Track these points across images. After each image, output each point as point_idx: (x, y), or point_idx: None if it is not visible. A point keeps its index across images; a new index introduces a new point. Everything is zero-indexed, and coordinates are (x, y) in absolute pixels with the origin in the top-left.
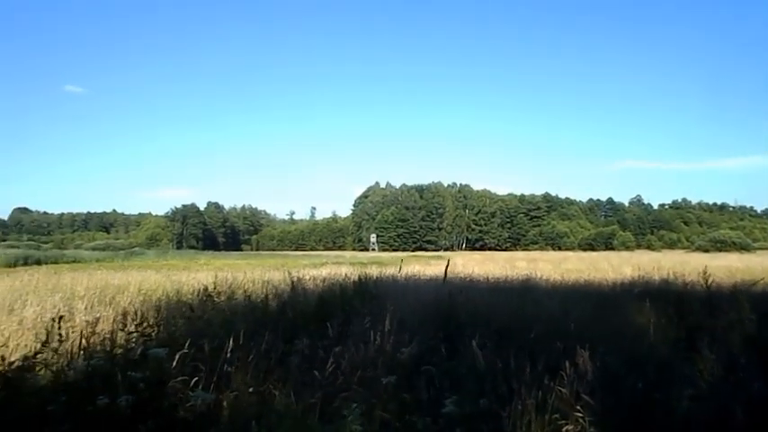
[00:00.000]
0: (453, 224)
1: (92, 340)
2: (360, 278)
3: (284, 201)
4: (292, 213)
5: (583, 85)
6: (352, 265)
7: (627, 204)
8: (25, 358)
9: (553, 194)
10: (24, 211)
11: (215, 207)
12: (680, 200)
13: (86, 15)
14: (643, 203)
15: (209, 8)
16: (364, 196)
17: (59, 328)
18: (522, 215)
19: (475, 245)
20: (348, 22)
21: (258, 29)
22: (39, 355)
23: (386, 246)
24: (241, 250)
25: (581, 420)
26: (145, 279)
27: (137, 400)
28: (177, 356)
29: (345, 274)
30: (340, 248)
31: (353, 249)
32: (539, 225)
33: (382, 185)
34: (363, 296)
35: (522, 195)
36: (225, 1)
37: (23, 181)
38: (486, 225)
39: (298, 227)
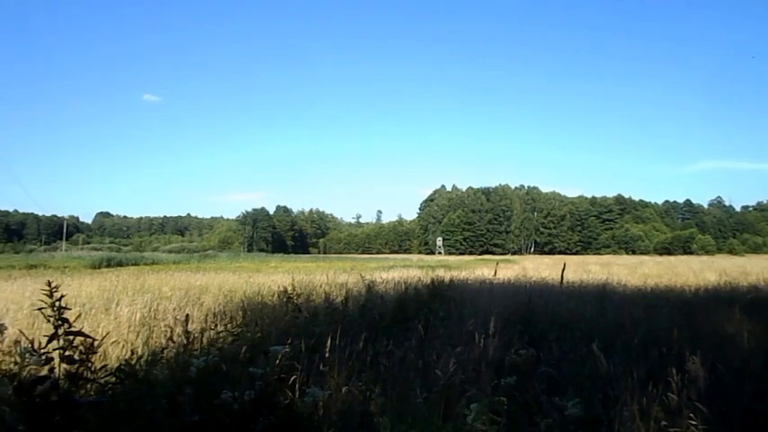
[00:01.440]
0: (521, 227)
1: (182, 338)
2: (433, 281)
3: (351, 204)
4: (359, 216)
5: (657, 83)
6: (420, 268)
7: (706, 206)
8: (153, 354)
9: (626, 196)
10: (106, 215)
11: (284, 211)
12: (765, 201)
13: (161, 27)
14: (724, 205)
15: (267, 21)
16: (430, 199)
17: (186, 326)
18: (593, 218)
19: (544, 248)
20: (406, 25)
21: (319, 35)
22: (164, 351)
23: (452, 249)
24: (309, 253)
25: (693, 428)
26: (224, 280)
27: (257, 395)
28: (280, 355)
29: (419, 278)
30: (406, 252)
31: (419, 252)
32: (611, 228)
33: (448, 188)
34: (441, 299)
35: (594, 197)
36: (283, 12)
37: (106, 187)
38: (555, 228)
39: (364, 230)
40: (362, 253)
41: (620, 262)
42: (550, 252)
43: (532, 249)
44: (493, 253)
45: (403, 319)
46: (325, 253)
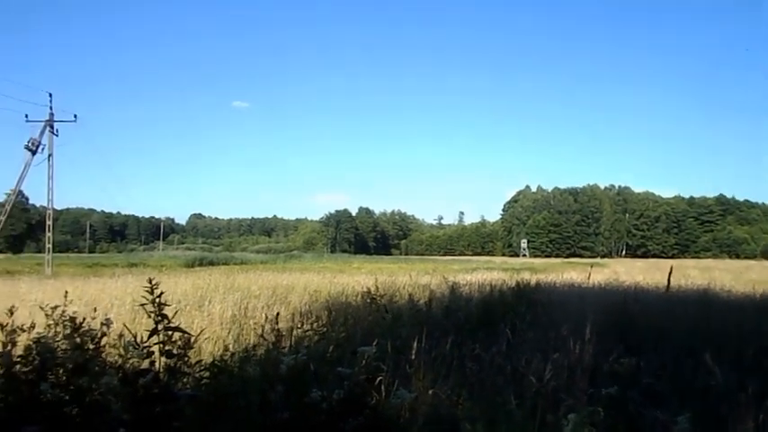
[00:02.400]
0: (611, 229)
1: (272, 336)
2: (518, 284)
3: (432, 205)
4: (440, 218)
5: (761, 70)
6: (504, 270)
7: None
8: (246, 350)
9: (729, 196)
10: (199, 216)
11: (366, 212)
12: None
13: (248, 35)
14: None
15: (352, 24)
16: (514, 200)
17: (276, 324)
18: (691, 219)
19: (636, 251)
20: (487, 19)
21: (401, 42)
22: (255, 348)
23: (537, 251)
24: (390, 254)
25: None
26: (309, 280)
27: (345, 395)
28: (367, 356)
29: (503, 280)
30: (489, 254)
31: (503, 255)
32: (711, 230)
33: (533, 189)
34: (527, 303)
35: (692, 198)
36: (365, 18)
37: (199, 190)
38: (648, 230)
39: (446, 231)
40: (444, 255)
41: (721, 266)
42: (643, 255)
43: (624, 252)
44: (581, 256)
45: (488, 322)
46: (406, 254)
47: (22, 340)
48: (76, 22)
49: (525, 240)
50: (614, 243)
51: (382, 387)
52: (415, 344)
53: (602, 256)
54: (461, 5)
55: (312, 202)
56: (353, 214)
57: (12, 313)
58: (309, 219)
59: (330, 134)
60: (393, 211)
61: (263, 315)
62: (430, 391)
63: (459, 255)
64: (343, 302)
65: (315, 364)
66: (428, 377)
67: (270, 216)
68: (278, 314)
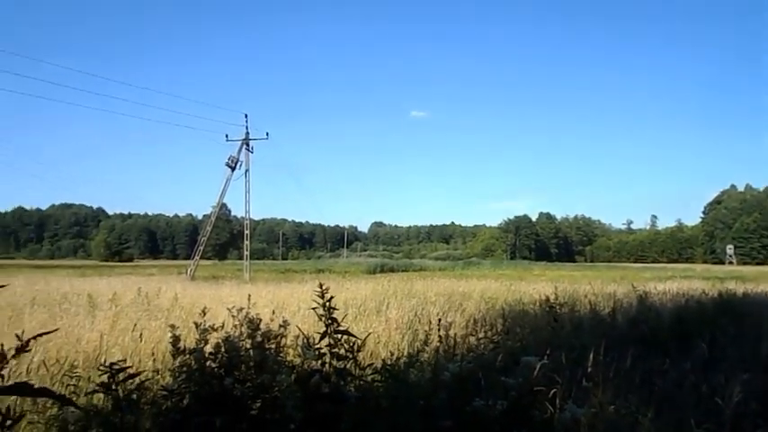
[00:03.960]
0: None
1: (442, 342)
2: (721, 294)
3: (621, 209)
4: (630, 222)
5: None
6: (705, 279)
7: None
8: (409, 356)
9: None
10: (380, 224)
11: (547, 217)
12: None
13: (424, 47)
14: None
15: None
16: (717, 202)
17: (447, 330)
18: None
19: None
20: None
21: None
22: (419, 354)
23: (746, 258)
24: (574, 261)
25: None
26: (486, 287)
27: (509, 406)
28: (538, 366)
29: (702, 290)
30: (687, 260)
31: (704, 262)
32: None
33: (740, 188)
34: (731, 315)
35: None
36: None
37: (380, 199)
38: None
39: (636, 237)
40: (635, 262)
41: None
42: None
43: None
44: None
45: (681, 335)
46: (591, 261)
47: (213, 339)
48: (266, 53)
49: (731, 246)
50: None
51: (557, 400)
52: (593, 356)
53: None
54: None
55: (490, 208)
56: (533, 220)
57: (204, 314)
58: (488, 225)
59: (507, 141)
60: (576, 216)
61: (438, 321)
62: (610, 408)
63: (652, 262)
64: (520, 311)
65: (482, 373)
66: (608, 392)
67: (448, 223)
68: (439, 320)
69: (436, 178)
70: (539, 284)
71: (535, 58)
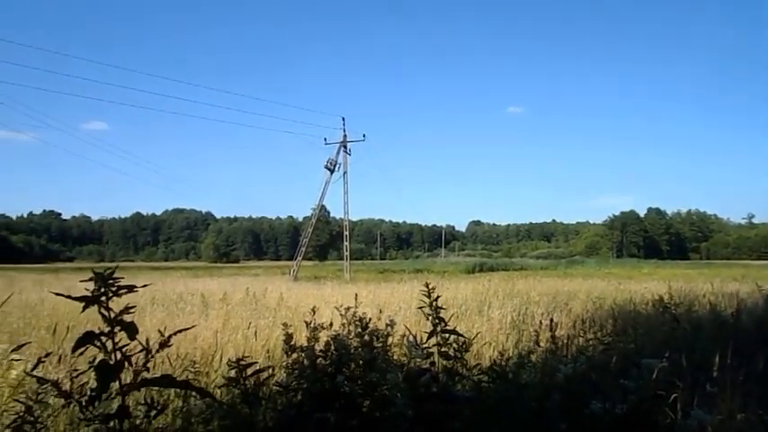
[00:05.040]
0: None
1: (550, 343)
2: None
3: (740, 202)
4: (751, 216)
5: None
6: None
7: None
8: (520, 356)
9: None
10: (478, 223)
11: (656, 213)
12: None
13: (520, 42)
14: None
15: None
16: None
17: (554, 331)
18: None
19: None
20: None
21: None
22: (531, 354)
23: None
24: (687, 259)
25: None
26: (592, 287)
27: (629, 410)
28: (656, 370)
29: None
30: None
31: None
32: None
33: None
34: None
35: None
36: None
37: (477, 197)
38: None
39: (758, 232)
40: (758, 258)
41: None
42: None
43: None
44: None
45: None
46: (708, 259)
47: (323, 337)
48: (362, 55)
49: None
50: None
51: (678, 405)
52: (718, 359)
53: None
54: None
55: (594, 204)
56: (641, 216)
57: (314, 313)
58: (591, 222)
59: (610, 134)
60: (689, 211)
61: (543, 321)
62: (739, 416)
63: None
64: (631, 311)
65: (596, 375)
66: (737, 398)
67: (549, 220)
68: (551, 320)
69: (535, 175)
70: (649, 283)
71: (640, 48)
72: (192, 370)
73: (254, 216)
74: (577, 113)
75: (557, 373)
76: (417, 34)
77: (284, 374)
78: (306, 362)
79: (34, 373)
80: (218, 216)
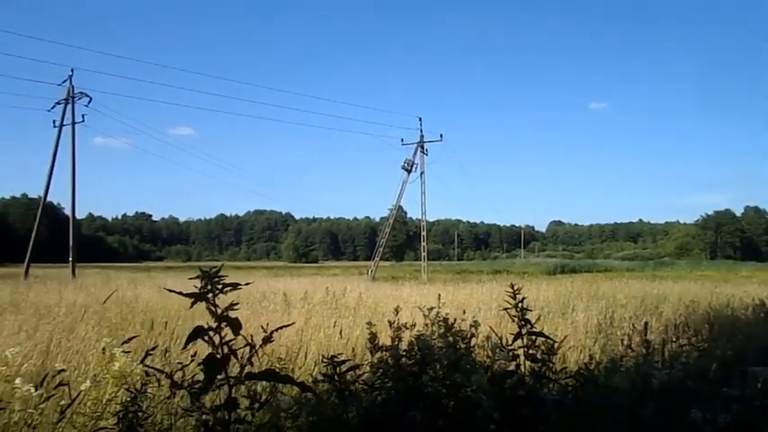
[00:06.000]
0: None
1: (641, 348)
2: None
3: None
4: None
5: None
6: None
7: None
8: (612, 360)
9: None
10: (559, 223)
11: (755, 212)
12: None
13: (603, 36)
14: None
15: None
16: None
17: (645, 335)
18: None
19: None
20: None
21: None
22: (623, 359)
23: None
24: None
25: None
26: (684, 290)
27: (733, 420)
28: (762, 378)
29: None
30: None
31: None
32: None
33: None
34: None
35: None
36: None
37: (558, 196)
38: None
39: None
40: None
41: None
42: None
43: None
44: None
45: None
46: None
47: (406, 337)
48: (438, 54)
49: None
50: None
51: None
52: None
53: None
54: None
55: (684, 203)
56: (738, 215)
57: (397, 312)
58: (681, 222)
59: (701, 128)
60: None
61: (631, 325)
62: None
63: None
64: (729, 315)
65: (693, 383)
66: None
67: (635, 220)
68: (645, 323)
69: (620, 173)
70: (749, 287)
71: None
72: (278, 366)
73: (332, 217)
74: (664, 108)
75: (651, 379)
76: (495, 31)
77: (369, 373)
78: (390, 361)
79: (141, 365)
80: (297, 217)
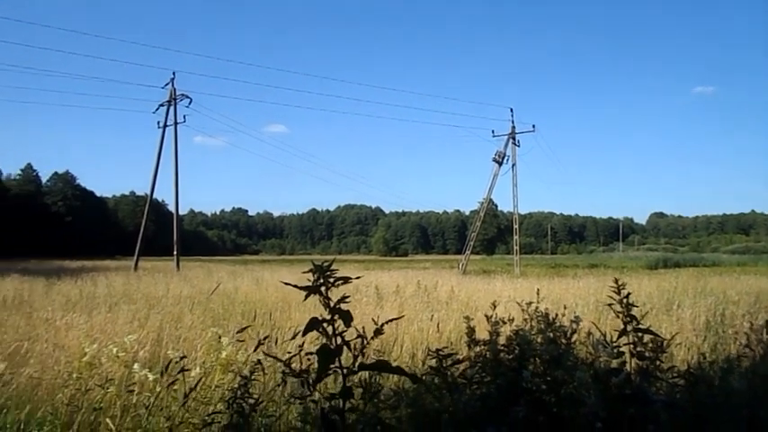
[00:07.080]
0: None
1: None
2: None
3: None
4: None
5: None
6: None
7: None
8: (727, 360)
9: None
10: (660, 215)
11: None
12: None
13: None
14: None
15: None
16: None
17: (765, 334)
18: None
19: None
20: None
21: None
22: (739, 359)
23: None
24: None
25: None
26: None
27: None
28: None
29: None
30: None
31: None
32: None
33: None
34: None
35: None
36: None
37: (659, 187)
38: None
39: None
40: None
41: None
42: None
43: None
44: None
45: None
46: None
47: (504, 331)
48: (529, 47)
49: None
50: None
51: None
52: None
53: None
54: None
55: None
56: None
57: (494, 307)
58: None
59: None
60: None
61: (748, 324)
62: None
63: None
64: None
65: None
66: None
67: (746, 211)
68: (767, 321)
69: (729, 160)
70: None
71: None
72: (374, 357)
73: (421, 210)
74: None
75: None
76: (592, 16)
77: (467, 367)
78: (489, 355)
79: (254, 353)
80: (386, 211)
